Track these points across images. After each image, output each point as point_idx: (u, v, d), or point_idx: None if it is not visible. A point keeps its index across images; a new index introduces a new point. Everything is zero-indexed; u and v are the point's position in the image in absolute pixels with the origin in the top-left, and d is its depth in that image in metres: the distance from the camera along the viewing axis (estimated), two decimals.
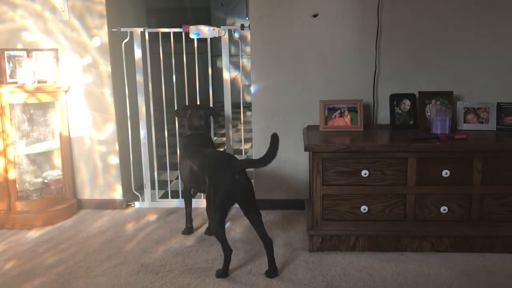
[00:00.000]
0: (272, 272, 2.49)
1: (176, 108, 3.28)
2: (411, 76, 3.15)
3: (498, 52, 3.09)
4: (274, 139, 2.42)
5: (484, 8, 3.05)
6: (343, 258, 2.66)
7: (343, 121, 3.05)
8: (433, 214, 2.69)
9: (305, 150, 2.74)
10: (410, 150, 2.64)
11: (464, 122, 2.97)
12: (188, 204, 3.02)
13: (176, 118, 3.19)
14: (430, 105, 2.99)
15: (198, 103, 3.34)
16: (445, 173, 2.64)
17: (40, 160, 3.38)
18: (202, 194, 3.21)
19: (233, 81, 4.67)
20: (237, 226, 3.11)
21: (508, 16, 3.04)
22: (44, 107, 3.31)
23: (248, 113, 3.62)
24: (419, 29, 3.11)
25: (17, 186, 3.19)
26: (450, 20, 3.08)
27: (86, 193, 3.49)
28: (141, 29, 3.31)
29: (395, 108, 3.06)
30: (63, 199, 3.34)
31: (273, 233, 2.93)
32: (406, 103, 3.06)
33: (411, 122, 3.05)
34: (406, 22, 3.11)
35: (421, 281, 2.41)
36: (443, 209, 2.67)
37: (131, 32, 3.31)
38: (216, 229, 2.48)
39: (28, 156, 3.29)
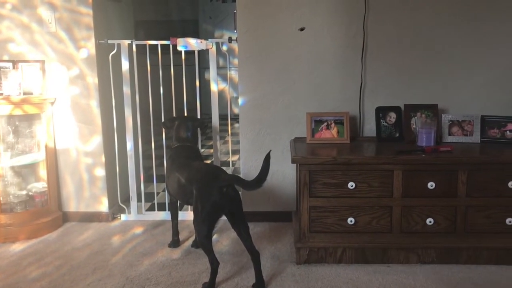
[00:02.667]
0: (259, 285, 2.48)
1: (163, 119, 3.27)
2: (397, 89, 3.19)
3: (481, 65, 3.14)
4: (266, 162, 2.42)
5: (467, 22, 3.10)
6: (330, 271, 2.66)
7: (329, 133, 3.07)
8: (419, 226, 2.71)
9: (292, 162, 2.75)
10: (396, 162, 2.66)
11: (449, 134, 3.00)
12: (175, 216, 3.00)
13: (163, 129, 3.19)
14: (416, 117, 3.02)
15: (185, 114, 3.34)
16: (431, 185, 2.66)
17: (25, 172, 3.35)
18: (189, 206, 3.19)
19: (221, 93, 4.68)
20: (224, 239, 3.09)
21: (491, 31, 3.10)
22: (29, 118, 3.28)
23: (236, 124, 3.62)
24: (404, 43, 3.15)
25: (0, 198, 3.15)
26: (435, 34, 3.13)
27: (71, 206, 3.45)
28: (129, 41, 3.32)
29: (381, 120, 3.09)
30: (48, 211, 3.30)
31: (260, 246, 2.92)
32: (392, 116, 3.09)
33: (397, 135, 3.08)
34: (391, 36, 3.15)
35: None
36: (429, 221, 2.69)
37: (119, 44, 3.31)
38: (203, 242, 2.46)
39: (12, 168, 3.25)
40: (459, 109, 3.13)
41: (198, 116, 3.38)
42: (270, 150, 2.49)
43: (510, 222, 2.67)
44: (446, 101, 3.14)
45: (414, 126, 3.02)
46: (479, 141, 2.97)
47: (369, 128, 3.23)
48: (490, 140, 2.96)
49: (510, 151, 2.80)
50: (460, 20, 3.11)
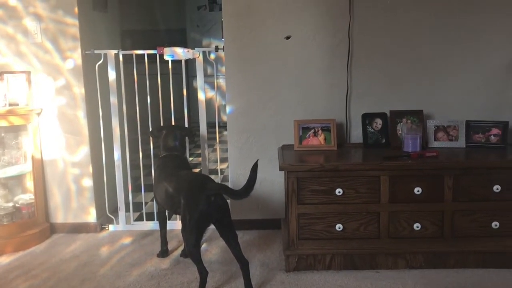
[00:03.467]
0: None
1: (151, 129, 3.27)
2: (383, 95, 3.21)
3: (466, 71, 3.18)
4: (253, 171, 2.42)
5: (452, 29, 3.14)
6: (319, 278, 2.67)
7: (317, 140, 3.08)
8: (407, 231, 2.73)
9: (280, 169, 2.76)
10: (382, 168, 2.68)
11: (435, 140, 3.03)
12: (163, 226, 2.99)
13: (151, 138, 3.18)
14: (401, 123, 3.05)
15: (173, 123, 3.34)
16: (417, 190, 2.68)
17: (11, 183, 3.32)
18: (178, 215, 3.18)
19: (210, 101, 4.68)
20: (213, 247, 3.08)
21: (474, 37, 3.15)
22: (15, 130, 3.26)
23: (225, 132, 3.63)
24: (389, 50, 3.19)
25: None
26: (419, 41, 3.17)
27: (59, 217, 3.42)
28: (115, 51, 3.31)
29: (368, 127, 3.11)
30: (35, 223, 3.27)
31: (249, 254, 2.92)
32: (378, 122, 3.11)
33: (383, 141, 3.10)
34: (376, 43, 3.19)
35: None
36: (416, 226, 2.71)
37: (105, 54, 3.31)
38: (192, 251, 2.46)
39: None
40: (444, 114, 3.16)
41: (186, 125, 3.38)
42: (258, 159, 2.49)
43: (496, 226, 2.70)
44: (431, 107, 3.18)
45: (400, 132, 3.04)
46: (464, 146, 3.00)
47: (356, 134, 3.25)
48: (475, 145, 2.99)
49: (494, 155, 2.84)
50: (443, 27, 3.15)
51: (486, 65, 3.17)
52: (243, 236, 3.16)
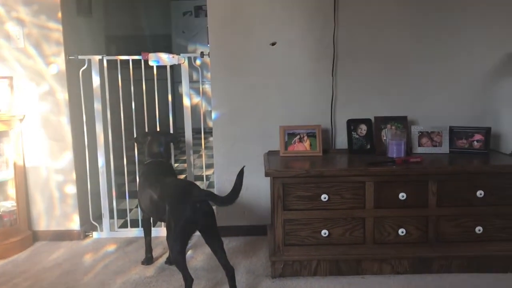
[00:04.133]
0: None
1: (135, 135, 3.24)
2: (367, 101, 3.23)
3: (450, 78, 3.22)
4: (239, 178, 2.42)
5: (435, 37, 3.18)
6: (305, 284, 2.66)
7: (302, 146, 3.09)
8: (392, 236, 2.74)
9: (266, 175, 2.75)
10: (367, 174, 2.70)
11: (419, 145, 3.06)
12: (148, 233, 2.96)
13: (136, 145, 3.15)
14: (386, 129, 3.07)
15: (158, 129, 3.32)
16: (402, 196, 2.70)
17: None
18: (163, 222, 3.16)
19: (195, 107, 4.67)
20: (198, 254, 3.06)
21: (457, 45, 3.19)
22: None
23: (211, 138, 3.62)
24: (374, 56, 3.21)
25: None
26: (403, 48, 3.20)
27: (41, 225, 3.37)
28: (99, 57, 3.29)
29: (352, 133, 3.13)
30: (17, 231, 3.22)
31: (235, 261, 2.90)
32: (363, 128, 3.13)
33: (368, 146, 3.12)
34: (361, 49, 3.21)
35: None
36: (401, 231, 2.73)
37: (89, 60, 3.28)
38: (177, 258, 2.44)
39: None
40: (428, 120, 3.19)
41: (171, 131, 3.36)
42: (244, 166, 2.49)
43: (479, 230, 2.73)
44: (416, 113, 3.21)
45: (384, 138, 3.06)
46: (448, 152, 3.03)
47: (341, 140, 3.27)
48: (458, 151, 3.02)
49: (477, 161, 2.87)
50: (428, 35, 3.18)
51: (469, 72, 3.21)
52: (229, 243, 3.14)
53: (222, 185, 3.29)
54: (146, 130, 3.29)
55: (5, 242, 3.12)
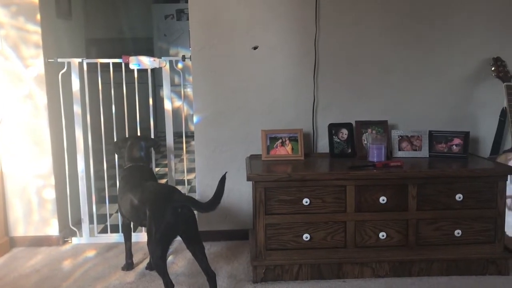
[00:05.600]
0: None
1: (115, 139, 3.21)
2: (348, 106, 3.26)
3: (429, 82, 3.26)
4: (220, 184, 2.41)
5: (415, 42, 3.23)
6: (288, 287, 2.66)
7: (284, 150, 3.09)
8: (372, 240, 2.76)
9: (248, 179, 2.75)
10: (348, 177, 2.71)
11: (399, 149, 3.09)
12: (128, 238, 2.93)
13: (115, 150, 3.10)
14: (367, 133, 3.09)
15: (138, 134, 3.29)
16: (382, 199, 2.72)
17: None
18: (143, 227, 3.12)
19: (177, 111, 4.64)
20: (179, 260, 3.04)
21: (437, 49, 3.24)
22: None
23: (192, 142, 3.60)
24: (355, 61, 3.24)
25: None
26: (383, 52, 3.24)
27: (19, 230, 3.30)
28: (79, 60, 3.25)
29: (334, 137, 3.14)
30: None
31: (216, 265, 2.89)
32: (344, 132, 3.15)
33: (349, 151, 3.14)
34: (342, 54, 3.23)
35: None
36: (382, 235, 2.75)
37: (69, 63, 3.24)
38: (158, 263, 2.41)
39: None
40: (408, 124, 3.23)
41: (152, 136, 3.34)
42: (226, 172, 2.48)
43: (458, 233, 2.76)
44: (396, 117, 3.24)
45: (365, 142, 3.08)
46: (428, 156, 3.06)
47: (323, 144, 3.28)
48: (438, 155, 3.06)
49: (456, 164, 2.91)
50: (407, 41, 3.23)
51: (447, 77, 3.27)
52: (210, 248, 3.12)
53: (204, 190, 3.27)
54: (127, 135, 3.25)
55: None
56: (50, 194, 3.29)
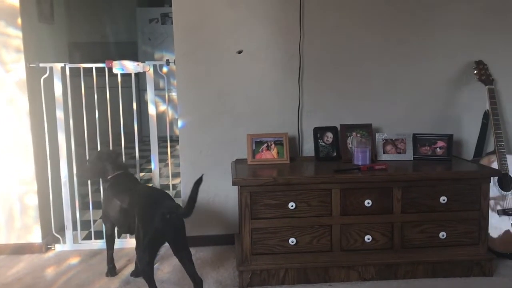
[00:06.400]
0: None
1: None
2: (333, 109, 3.27)
3: (413, 86, 3.29)
4: (195, 186, 2.40)
5: (399, 45, 3.25)
6: None
7: (270, 154, 3.09)
8: (358, 243, 2.76)
9: (233, 184, 2.74)
10: (333, 181, 2.71)
11: (384, 153, 3.10)
12: (110, 247, 2.90)
13: (96, 164, 2.94)
14: (351, 137, 3.10)
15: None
16: (367, 202, 2.73)
17: None
18: (128, 234, 3.09)
19: (161, 115, 4.60)
20: (165, 266, 3.00)
21: (420, 53, 3.26)
22: None
23: (177, 147, 3.57)
24: (339, 65, 3.25)
25: None
26: (368, 56, 3.25)
27: (0, 238, 3.24)
28: (62, 64, 3.20)
29: (319, 140, 3.15)
30: None
31: (203, 271, 2.87)
32: (329, 136, 3.16)
33: (334, 154, 3.14)
34: (325, 58, 3.24)
35: None
36: (367, 238, 2.75)
37: (51, 67, 3.19)
38: (145, 269, 2.40)
39: None
40: (392, 128, 3.25)
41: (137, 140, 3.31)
42: (203, 174, 2.46)
43: (443, 236, 2.78)
44: (380, 121, 3.26)
45: (350, 145, 3.09)
46: (412, 159, 3.08)
47: (308, 148, 3.28)
48: (422, 158, 3.08)
49: (440, 167, 2.94)
50: (390, 44, 3.25)
51: (431, 80, 3.29)
52: (196, 253, 3.09)
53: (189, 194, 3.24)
54: (109, 142, 3.23)
55: None
56: (33, 200, 3.23)
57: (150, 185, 3.40)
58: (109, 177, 2.83)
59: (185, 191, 3.29)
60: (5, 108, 3.15)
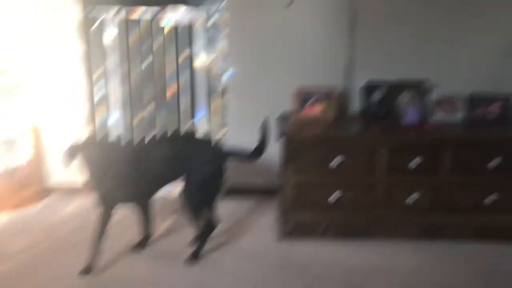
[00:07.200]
0: (195, 255, 2.51)
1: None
2: (384, 66, 3.16)
3: (474, 44, 3.12)
4: (263, 130, 2.45)
5: (461, 2, 3.07)
6: (313, 246, 2.68)
7: (317, 109, 3.05)
8: (402, 202, 2.72)
9: (280, 136, 2.72)
10: (381, 139, 2.66)
11: (435, 112, 2.99)
12: (103, 232, 2.43)
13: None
14: (403, 95, 2.99)
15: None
16: (415, 162, 2.67)
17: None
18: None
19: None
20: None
21: (479, 12, 3.08)
22: None
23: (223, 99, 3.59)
24: (394, 18, 3.12)
25: None
26: (428, 8, 3.09)
27: (55, 178, 3.42)
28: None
29: (368, 98, 3.07)
30: (31, 183, 3.27)
31: (243, 220, 2.93)
32: (379, 93, 3.07)
33: (384, 112, 3.06)
34: (380, 12, 3.11)
35: (389, 268, 2.44)
36: (412, 197, 2.71)
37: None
38: (194, 211, 2.47)
39: None
40: (445, 86, 3.10)
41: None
42: (267, 116, 2.48)
43: (491, 200, 2.69)
44: (434, 78, 3.12)
45: (401, 104, 2.99)
46: (465, 119, 2.95)
47: (356, 105, 3.21)
48: (476, 118, 2.95)
49: (494, 129, 2.81)
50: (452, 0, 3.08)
51: (492, 40, 3.11)
52: (238, 203, 3.16)
53: (235, 143, 3.27)
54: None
55: (21, 194, 3.18)
56: None
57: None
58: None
59: (231, 139, 3.31)
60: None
